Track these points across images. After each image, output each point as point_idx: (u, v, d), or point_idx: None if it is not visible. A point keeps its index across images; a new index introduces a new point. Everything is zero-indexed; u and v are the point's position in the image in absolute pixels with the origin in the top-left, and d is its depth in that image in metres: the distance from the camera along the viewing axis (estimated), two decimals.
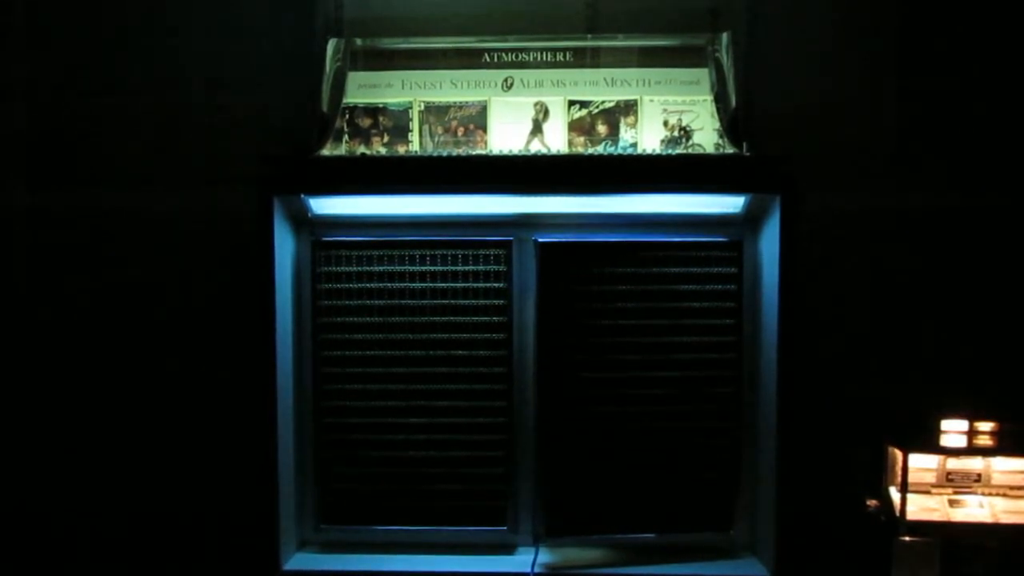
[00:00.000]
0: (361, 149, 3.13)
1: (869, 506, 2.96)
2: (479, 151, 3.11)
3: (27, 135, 3.24)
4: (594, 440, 3.05)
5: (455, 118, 3.15)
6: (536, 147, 3.12)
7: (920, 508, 2.88)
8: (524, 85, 3.15)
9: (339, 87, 3.07)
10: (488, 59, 3.16)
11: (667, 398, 3.05)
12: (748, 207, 3.01)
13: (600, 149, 3.12)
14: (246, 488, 3.10)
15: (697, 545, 3.12)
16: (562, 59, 3.16)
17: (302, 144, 3.00)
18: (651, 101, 3.12)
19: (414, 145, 3.14)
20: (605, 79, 3.14)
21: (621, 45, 3.16)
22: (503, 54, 3.16)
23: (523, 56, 3.16)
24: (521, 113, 3.14)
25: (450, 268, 3.10)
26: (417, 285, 3.10)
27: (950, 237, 3.14)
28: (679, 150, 3.09)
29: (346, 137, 3.15)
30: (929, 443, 2.89)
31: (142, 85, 3.21)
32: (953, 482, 2.95)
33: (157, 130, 3.21)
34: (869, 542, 2.96)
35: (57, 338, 3.26)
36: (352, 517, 3.14)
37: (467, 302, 3.10)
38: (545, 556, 3.08)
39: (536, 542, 3.09)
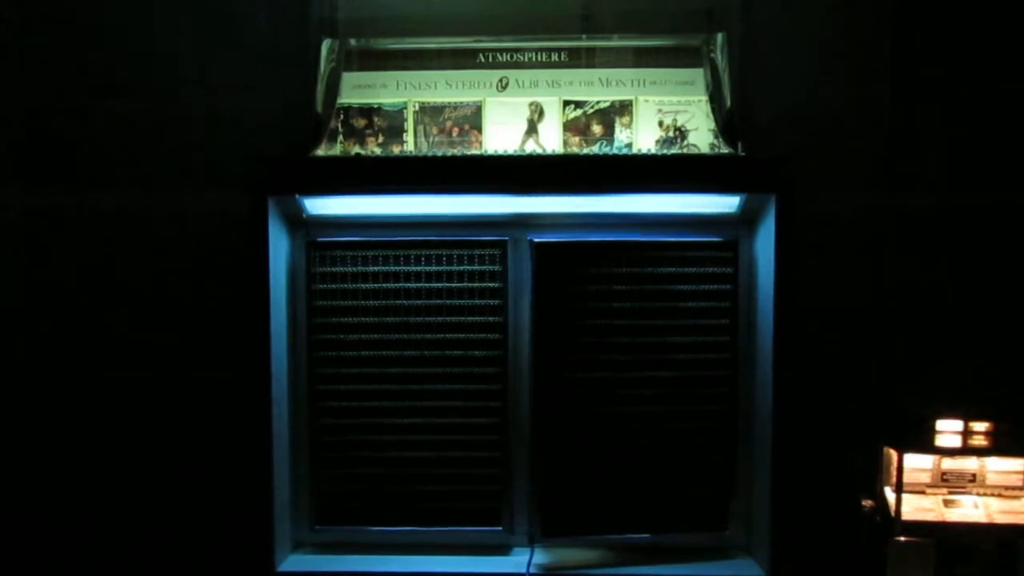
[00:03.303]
0: (356, 149, 3.13)
1: (864, 506, 2.96)
2: (474, 151, 3.11)
3: (23, 136, 3.23)
4: (589, 440, 3.05)
5: (450, 118, 3.15)
6: (531, 147, 3.12)
7: (915, 508, 2.88)
8: (519, 85, 3.15)
9: (333, 87, 3.06)
10: (483, 59, 3.16)
11: (662, 398, 3.05)
12: (744, 207, 3.01)
13: (595, 149, 3.11)
14: (240, 489, 3.09)
15: (693, 546, 3.12)
16: (557, 59, 3.15)
17: (297, 145, 3.00)
18: (646, 101, 3.12)
19: (409, 145, 3.14)
20: (600, 79, 3.14)
21: (616, 45, 3.16)
22: (498, 54, 3.15)
23: (518, 56, 3.15)
24: (516, 113, 3.14)
25: (445, 268, 3.09)
26: (412, 285, 3.10)
27: (946, 237, 3.13)
28: (674, 150, 3.09)
29: (341, 137, 3.15)
30: (924, 443, 2.88)
31: (136, 87, 3.19)
32: (948, 482, 2.95)
33: (152, 131, 3.19)
34: (864, 542, 2.96)
35: (52, 339, 3.25)
36: (347, 518, 3.14)
37: (462, 302, 3.10)
38: (540, 557, 3.08)
39: (531, 542, 3.09)
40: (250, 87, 3.17)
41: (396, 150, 3.14)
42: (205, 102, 3.19)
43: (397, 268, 3.09)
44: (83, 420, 3.25)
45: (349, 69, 3.13)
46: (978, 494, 2.93)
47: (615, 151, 3.10)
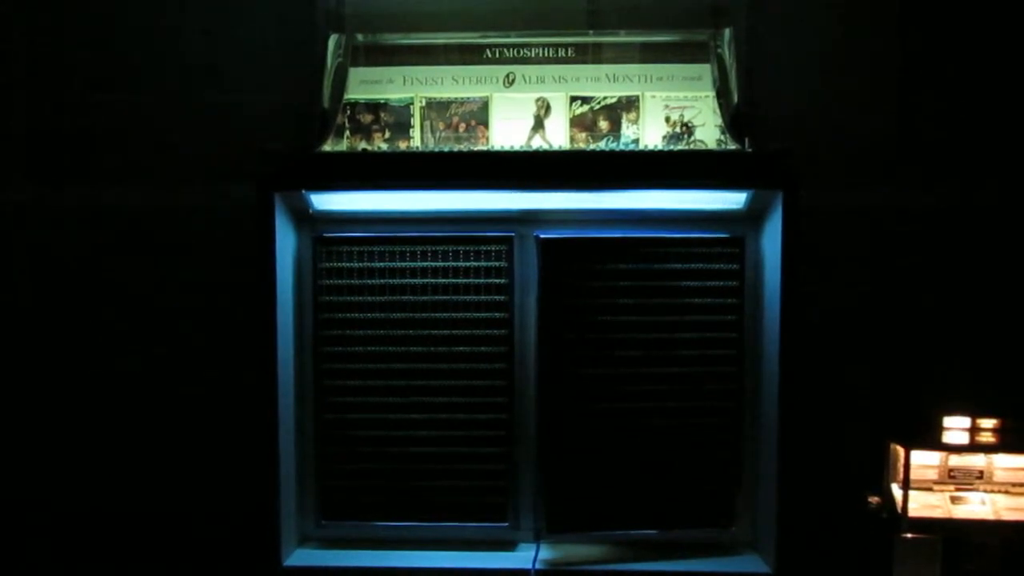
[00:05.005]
0: (362, 145, 3.13)
1: (871, 503, 2.95)
2: (480, 147, 3.11)
3: (27, 132, 3.23)
4: (595, 436, 3.05)
5: (456, 114, 3.14)
6: (537, 143, 3.11)
7: (922, 505, 2.87)
8: (526, 81, 3.14)
9: (340, 83, 3.06)
10: (490, 55, 3.15)
11: (668, 394, 3.04)
12: (750, 203, 3.00)
13: (602, 145, 3.11)
14: (247, 484, 3.10)
15: (698, 541, 3.11)
16: (564, 55, 3.15)
17: (303, 140, 2.99)
18: (653, 97, 3.12)
19: (415, 141, 3.14)
20: (607, 75, 3.13)
21: (623, 41, 3.15)
22: (505, 50, 3.15)
23: (525, 52, 3.15)
24: (523, 109, 3.13)
25: (451, 264, 3.09)
26: (418, 281, 3.10)
27: (952, 234, 3.12)
28: (681, 146, 3.08)
29: (347, 133, 3.15)
30: (931, 440, 2.88)
31: (142, 82, 3.20)
32: (955, 479, 2.94)
33: (157, 127, 3.20)
34: (871, 539, 2.95)
35: (57, 335, 3.25)
36: (353, 513, 3.14)
37: (468, 298, 3.09)
38: (546, 552, 3.08)
39: (537, 538, 3.10)
40: (256, 83, 3.17)
41: (402, 146, 3.14)
42: (211, 98, 3.19)
43: (403, 264, 3.09)
44: (87, 416, 3.26)
45: (356, 64, 3.13)
46: (985, 491, 2.91)
47: (621, 147, 3.10)
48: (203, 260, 3.21)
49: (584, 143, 3.12)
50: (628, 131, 3.12)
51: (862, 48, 3.12)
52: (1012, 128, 3.11)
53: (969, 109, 3.12)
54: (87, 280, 3.24)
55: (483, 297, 3.09)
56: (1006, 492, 2.90)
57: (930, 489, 2.93)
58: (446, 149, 3.09)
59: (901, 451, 2.89)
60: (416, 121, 3.15)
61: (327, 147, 3.03)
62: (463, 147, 3.10)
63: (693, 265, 3.04)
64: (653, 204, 3.02)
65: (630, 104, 3.12)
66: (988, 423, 2.86)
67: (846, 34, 3.12)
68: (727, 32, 3.04)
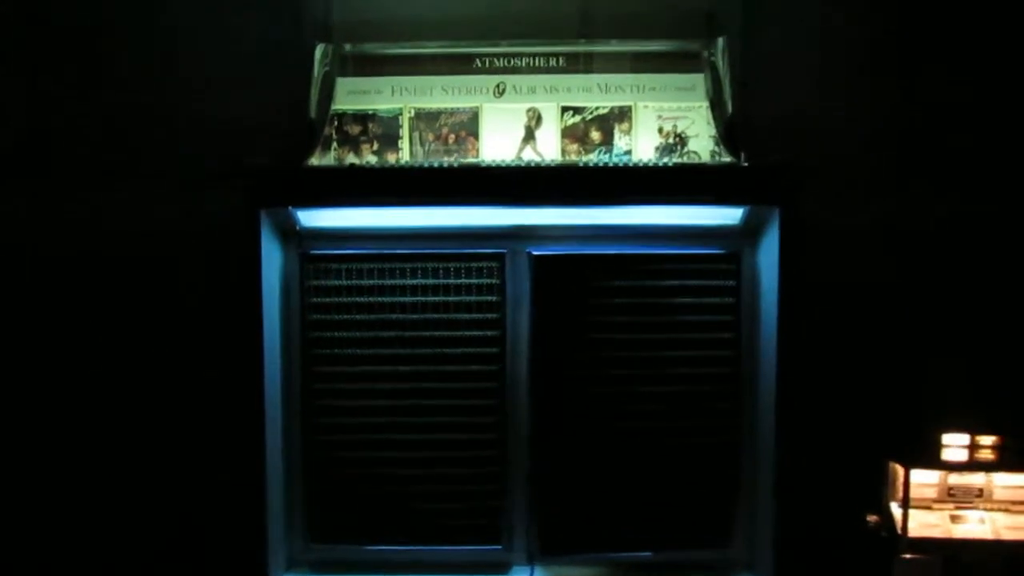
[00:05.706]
0: (350, 157, 3.06)
1: (869, 522, 2.92)
2: (470, 159, 3.05)
3: (14, 141, 3.15)
4: (589, 456, 3.01)
5: (446, 125, 3.08)
6: (529, 155, 3.05)
7: (921, 524, 2.84)
8: (516, 91, 3.08)
9: (327, 93, 3.00)
10: (480, 64, 3.09)
11: (664, 413, 3.00)
12: (746, 218, 2.96)
13: (594, 156, 3.05)
14: (234, 506, 3.03)
15: (695, 563, 3.08)
16: (555, 64, 3.09)
17: (290, 153, 2.91)
18: (645, 107, 3.06)
19: (404, 153, 3.07)
20: (599, 85, 3.08)
21: (615, 50, 3.10)
22: (495, 59, 3.09)
23: (515, 61, 3.09)
24: (513, 120, 3.07)
25: (442, 281, 3.03)
26: (408, 299, 3.03)
27: (951, 248, 3.09)
28: (674, 157, 3.03)
29: (335, 145, 3.08)
30: (930, 458, 2.85)
31: (127, 94, 3.12)
32: (954, 497, 2.92)
33: (146, 138, 3.13)
34: (869, 559, 2.92)
35: (43, 347, 3.18)
36: (342, 536, 3.09)
37: (459, 316, 3.04)
38: (540, 575, 3.04)
39: (531, 561, 3.06)
40: (243, 93, 3.10)
41: (391, 158, 3.07)
42: (197, 109, 3.12)
43: (393, 281, 3.03)
44: (72, 437, 3.19)
45: (344, 74, 3.06)
46: (985, 509, 2.89)
47: (614, 158, 3.04)
48: (186, 278, 3.14)
49: (576, 154, 3.06)
50: (620, 142, 3.06)
51: (859, 57, 3.08)
52: (1009, 137, 3.07)
53: (969, 117, 3.08)
54: (70, 293, 3.16)
55: (475, 315, 3.03)
56: (1006, 510, 2.89)
57: (929, 508, 2.91)
58: (436, 163, 3.02)
59: (900, 470, 2.86)
60: (405, 132, 3.08)
61: (314, 160, 2.97)
62: (453, 159, 3.04)
63: (688, 282, 2.99)
64: (647, 219, 2.97)
65: (622, 114, 3.06)
66: (987, 440, 2.84)
67: (844, 41, 3.08)
68: (720, 41, 2.99)
